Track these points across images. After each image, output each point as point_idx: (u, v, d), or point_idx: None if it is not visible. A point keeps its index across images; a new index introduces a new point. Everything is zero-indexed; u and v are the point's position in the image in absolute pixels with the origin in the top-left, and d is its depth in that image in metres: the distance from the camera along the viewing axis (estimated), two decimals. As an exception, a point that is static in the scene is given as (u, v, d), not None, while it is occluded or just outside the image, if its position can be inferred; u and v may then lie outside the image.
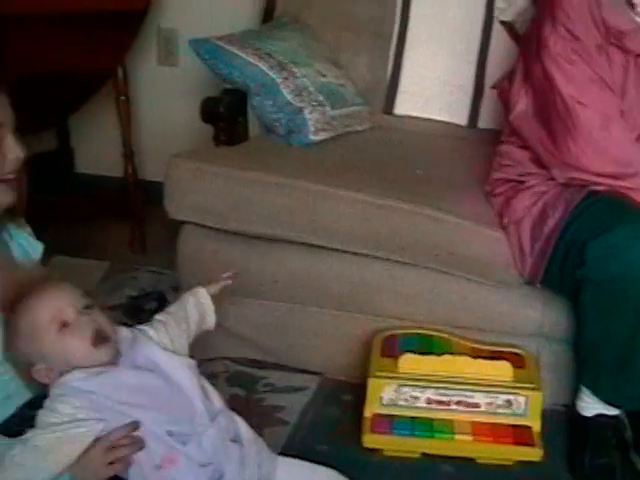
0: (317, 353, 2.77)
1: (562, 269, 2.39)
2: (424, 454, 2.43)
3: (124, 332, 1.92)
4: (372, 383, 2.45)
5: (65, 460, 1.77)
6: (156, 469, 1.85)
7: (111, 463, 1.81)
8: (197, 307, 2.06)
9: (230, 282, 2.13)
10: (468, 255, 2.54)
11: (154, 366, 1.88)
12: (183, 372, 1.91)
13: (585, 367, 2.44)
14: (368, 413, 2.46)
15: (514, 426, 2.44)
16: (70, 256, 3.49)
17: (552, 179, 2.47)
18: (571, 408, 2.53)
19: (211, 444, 1.87)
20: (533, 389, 2.44)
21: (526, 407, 2.44)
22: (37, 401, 1.99)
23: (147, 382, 1.86)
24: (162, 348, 1.92)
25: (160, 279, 3.34)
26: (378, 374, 2.46)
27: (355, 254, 2.64)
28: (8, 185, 1.88)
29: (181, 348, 1.99)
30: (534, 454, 2.40)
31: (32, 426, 1.81)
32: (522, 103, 2.54)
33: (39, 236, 2.12)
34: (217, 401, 1.95)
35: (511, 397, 2.44)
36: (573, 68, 2.39)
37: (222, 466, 1.88)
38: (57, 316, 1.80)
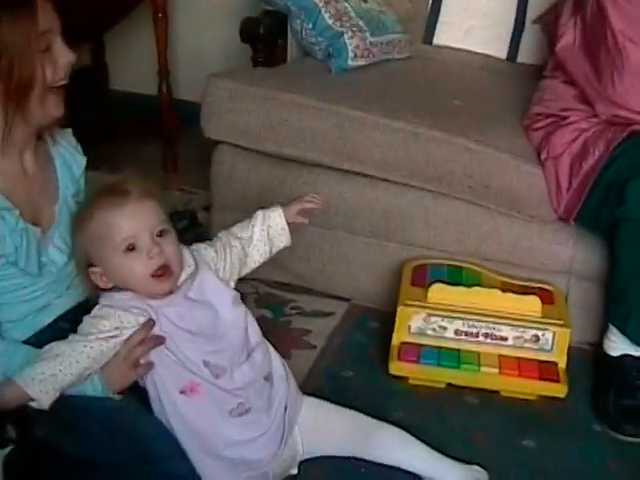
0: (346, 279, 2.77)
1: (599, 207, 2.37)
2: (449, 384, 2.44)
3: (189, 261, 1.92)
4: (401, 311, 2.45)
5: (96, 367, 1.81)
6: (178, 394, 1.88)
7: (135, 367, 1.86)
8: (265, 229, 2.07)
9: (316, 207, 2.12)
10: (502, 188, 2.51)
11: (205, 300, 1.90)
12: (229, 307, 1.93)
13: (615, 306, 2.42)
14: (396, 341, 2.46)
15: (540, 362, 2.45)
16: (101, 172, 3.49)
17: (594, 116, 2.44)
18: (597, 347, 2.52)
19: (242, 379, 1.90)
20: (561, 325, 2.44)
21: (553, 343, 2.44)
22: (72, 314, 2.01)
23: (195, 315, 1.87)
24: (215, 278, 1.93)
25: (191, 198, 3.34)
26: (407, 302, 2.46)
27: (388, 182, 2.63)
28: (60, 96, 1.87)
29: (232, 274, 2.00)
30: (559, 390, 2.40)
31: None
32: (569, 35, 2.49)
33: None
34: (255, 336, 1.97)
35: (539, 332, 2.44)
36: (629, 5, 2.33)
37: (249, 402, 1.91)
38: (130, 237, 1.80)
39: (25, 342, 1.93)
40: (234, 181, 2.76)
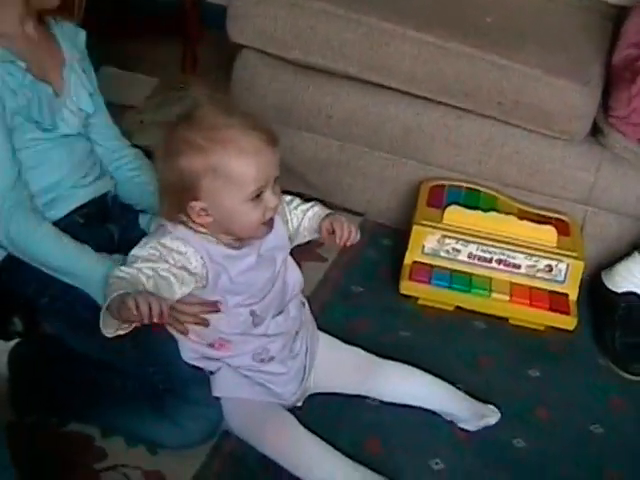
0: (362, 194, 2.74)
1: None
2: (458, 308, 2.42)
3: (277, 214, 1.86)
4: (416, 231, 2.42)
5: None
6: (207, 346, 1.88)
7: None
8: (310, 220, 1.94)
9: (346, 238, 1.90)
10: (533, 104, 2.45)
11: (271, 256, 1.85)
12: (283, 262, 1.89)
13: None
14: (408, 260, 2.44)
15: (551, 292, 2.43)
16: (119, 68, 3.44)
17: None
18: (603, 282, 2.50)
19: (275, 329, 1.89)
20: (575, 257, 2.41)
21: (566, 275, 2.42)
22: (87, 208, 1.99)
23: (259, 273, 1.83)
24: (284, 233, 1.88)
25: (209, 101, 3.27)
26: (423, 222, 2.43)
27: (413, 97, 2.57)
28: None
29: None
30: (568, 322, 2.38)
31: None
32: None
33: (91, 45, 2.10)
34: (296, 288, 1.95)
35: (552, 263, 2.41)
36: None
37: (274, 351, 1.90)
38: (262, 187, 1.69)
39: None
40: (255, 88, 2.69)
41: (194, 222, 1.73)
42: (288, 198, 1.93)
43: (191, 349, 1.89)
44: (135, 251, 1.71)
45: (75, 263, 1.87)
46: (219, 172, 1.67)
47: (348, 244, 1.87)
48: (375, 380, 2.04)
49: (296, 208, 1.93)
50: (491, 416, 2.04)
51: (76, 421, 1.93)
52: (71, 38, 2.06)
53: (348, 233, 1.85)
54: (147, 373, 1.87)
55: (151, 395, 1.86)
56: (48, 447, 1.86)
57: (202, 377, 1.89)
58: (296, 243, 1.94)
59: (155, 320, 1.53)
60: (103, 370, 1.93)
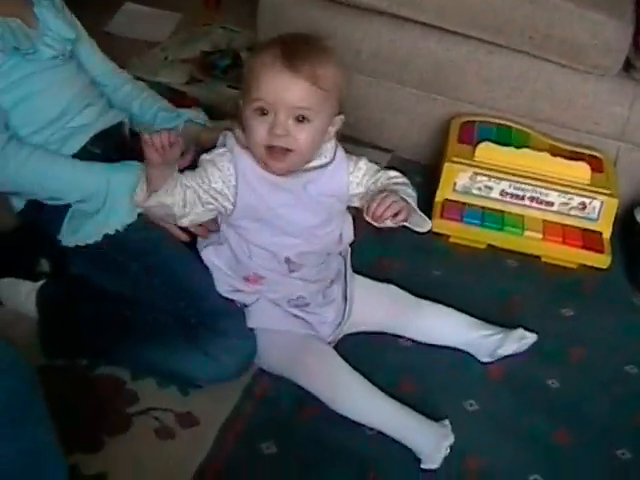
0: (392, 130, 2.70)
1: None
2: (490, 246, 2.39)
3: (326, 154, 1.82)
4: (447, 168, 2.39)
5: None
6: (242, 280, 1.87)
7: None
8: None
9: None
10: (566, 38, 2.40)
11: (319, 201, 1.81)
12: (334, 216, 1.87)
13: None
14: (439, 198, 2.41)
15: (585, 230, 2.40)
16: (143, 4, 3.39)
17: None
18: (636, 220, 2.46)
19: (312, 277, 1.88)
20: (609, 195, 2.38)
21: (600, 212, 2.39)
22: (101, 140, 1.97)
23: (299, 213, 1.80)
24: (343, 185, 1.84)
25: (234, 37, 3.22)
26: (454, 159, 2.39)
27: (443, 32, 2.52)
28: None
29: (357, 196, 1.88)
30: (602, 261, 2.35)
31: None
32: None
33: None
34: (342, 244, 1.93)
35: (586, 200, 2.38)
36: None
37: (310, 297, 1.91)
38: (264, 103, 1.69)
39: None
40: (281, 22, 2.65)
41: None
42: (364, 164, 1.87)
43: (226, 282, 1.88)
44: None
45: (78, 175, 1.88)
46: (248, 69, 1.73)
47: (376, 224, 1.73)
48: (410, 318, 2.03)
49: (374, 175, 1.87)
50: (529, 337, 2.02)
51: (106, 362, 1.93)
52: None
53: (382, 211, 1.71)
54: (178, 308, 1.86)
55: (184, 328, 1.85)
56: (79, 392, 1.85)
57: (234, 310, 1.89)
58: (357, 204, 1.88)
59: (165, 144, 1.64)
60: (133, 307, 1.92)
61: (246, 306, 1.90)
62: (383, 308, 2.03)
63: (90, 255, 1.93)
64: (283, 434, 1.82)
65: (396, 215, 1.71)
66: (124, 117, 2.09)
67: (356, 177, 1.84)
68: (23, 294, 2.00)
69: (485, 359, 2.03)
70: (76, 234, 1.90)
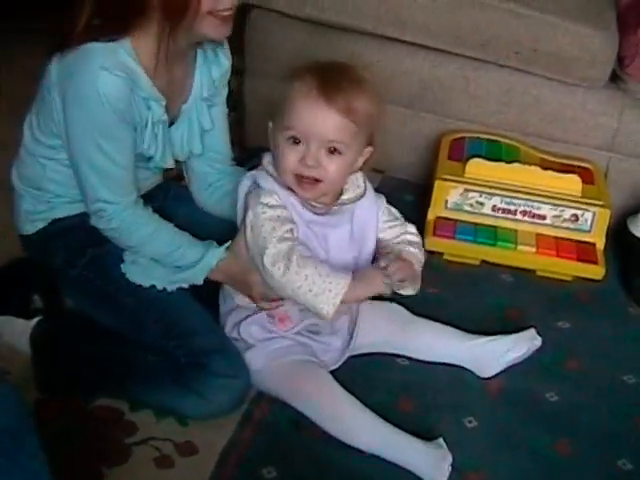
0: (381, 150, 2.63)
1: None
2: (484, 261, 2.40)
3: (358, 183, 1.87)
4: (438, 185, 2.39)
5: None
6: (267, 317, 1.89)
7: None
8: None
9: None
10: (552, 51, 2.42)
11: (361, 236, 1.86)
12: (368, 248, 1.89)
13: None
14: (431, 216, 2.41)
15: (578, 242, 2.40)
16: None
17: None
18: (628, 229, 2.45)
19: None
20: (601, 206, 2.38)
21: (592, 223, 2.39)
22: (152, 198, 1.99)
23: (345, 251, 1.83)
24: (375, 214, 1.89)
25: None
26: (445, 177, 2.40)
27: (429, 51, 2.54)
28: (221, 20, 1.75)
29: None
30: (596, 272, 2.36)
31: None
32: None
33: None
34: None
35: (578, 212, 2.38)
36: None
37: (321, 327, 1.93)
38: (297, 133, 1.71)
39: None
40: (269, 48, 2.66)
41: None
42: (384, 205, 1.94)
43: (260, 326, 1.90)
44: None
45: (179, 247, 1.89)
46: (287, 94, 1.73)
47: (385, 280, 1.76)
48: (409, 336, 2.03)
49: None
50: (536, 338, 2.03)
51: (102, 396, 1.92)
52: (209, 67, 1.97)
53: (398, 278, 1.76)
54: (168, 347, 1.86)
55: (174, 369, 1.85)
56: (77, 423, 1.84)
57: (225, 348, 1.88)
58: None
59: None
60: (125, 345, 1.92)
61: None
62: (383, 327, 2.03)
63: (85, 289, 1.93)
64: (283, 458, 1.81)
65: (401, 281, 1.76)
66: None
67: (382, 216, 1.91)
68: (17, 332, 1.99)
69: (488, 371, 2.02)
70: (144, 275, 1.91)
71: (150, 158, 1.89)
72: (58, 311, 2.03)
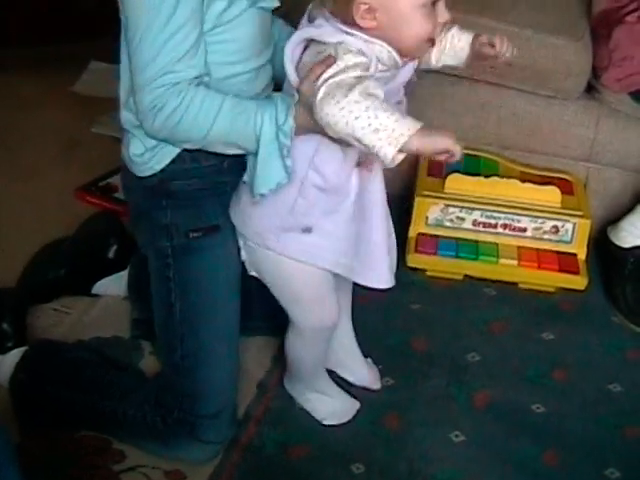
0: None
1: None
2: (467, 276, 2.40)
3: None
4: (418, 202, 2.40)
5: None
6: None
7: None
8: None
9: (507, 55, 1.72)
10: (526, 64, 2.42)
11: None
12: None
13: None
14: (413, 233, 2.42)
15: (559, 253, 2.40)
16: (109, 62, 3.40)
17: None
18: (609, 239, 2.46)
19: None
20: (581, 216, 2.39)
21: (573, 234, 2.40)
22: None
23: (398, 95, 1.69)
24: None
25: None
26: (424, 193, 2.41)
27: (404, 68, 2.54)
28: None
29: None
30: (578, 282, 2.36)
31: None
32: None
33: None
34: None
35: (558, 223, 2.39)
36: None
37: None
38: None
39: None
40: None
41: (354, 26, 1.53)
42: None
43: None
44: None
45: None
46: None
47: (508, 55, 1.68)
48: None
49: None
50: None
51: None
52: None
53: (507, 46, 1.68)
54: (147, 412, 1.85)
55: (154, 428, 1.82)
56: (64, 453, 1.84)
57: (220, 415, 1.82)
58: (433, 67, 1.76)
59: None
60: (106, 399, 1.87)
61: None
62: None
63: (157, 262, 1.83)
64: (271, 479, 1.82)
65: None
66: None
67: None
68: None
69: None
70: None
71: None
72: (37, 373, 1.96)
